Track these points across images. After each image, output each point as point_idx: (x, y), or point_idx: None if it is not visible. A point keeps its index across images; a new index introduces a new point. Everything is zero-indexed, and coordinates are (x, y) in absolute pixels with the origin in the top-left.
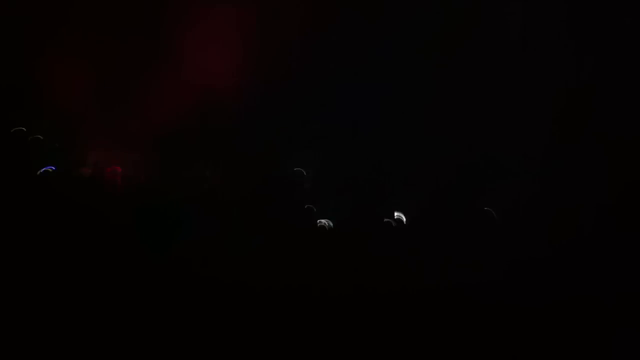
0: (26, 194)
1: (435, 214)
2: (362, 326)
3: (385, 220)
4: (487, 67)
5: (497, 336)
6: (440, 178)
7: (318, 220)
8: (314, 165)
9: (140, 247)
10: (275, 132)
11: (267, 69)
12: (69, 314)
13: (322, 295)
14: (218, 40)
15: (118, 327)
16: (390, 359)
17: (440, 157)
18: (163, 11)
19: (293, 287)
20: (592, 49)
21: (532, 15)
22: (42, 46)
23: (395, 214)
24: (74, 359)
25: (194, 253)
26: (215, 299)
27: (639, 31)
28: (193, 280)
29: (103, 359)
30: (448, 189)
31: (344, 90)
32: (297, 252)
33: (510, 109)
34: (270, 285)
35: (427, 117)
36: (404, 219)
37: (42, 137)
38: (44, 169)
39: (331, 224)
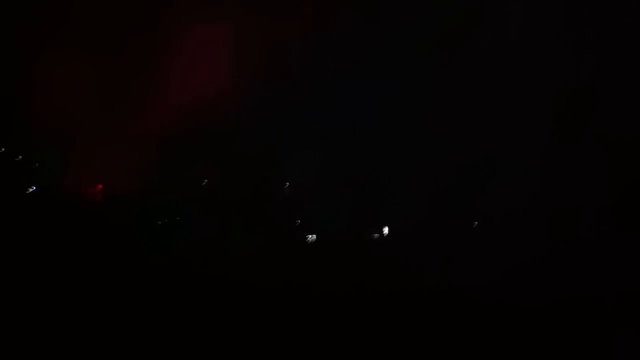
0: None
1: (435, 214)
2: (362, 326)
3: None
4: (487, 67)
5: (497, 336)
6: (440, 178)
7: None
8: (314, 165)
9: (140, 247)
10: (275, 133)
11: (267, 69)
12: (69, 315)
13: (322, 295)
14: (217, 40)
15: (118, 327)
16: (391, 359)
17: (440, 157)
18: (162, 10)
19: (293, 287)
20: (592, 48)
21: (532, 15)
22: (30, 53)
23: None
24: (74, 359)
25: (194, 253)
26: (215, 299)
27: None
28: (193, 280)
29: (103, 359)
30: (448, 189)
31: (344, 91)
32: (297, 252)
33: (510, 109)
34: (270, 285)
35: (427, 117)
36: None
37: (21, 157)
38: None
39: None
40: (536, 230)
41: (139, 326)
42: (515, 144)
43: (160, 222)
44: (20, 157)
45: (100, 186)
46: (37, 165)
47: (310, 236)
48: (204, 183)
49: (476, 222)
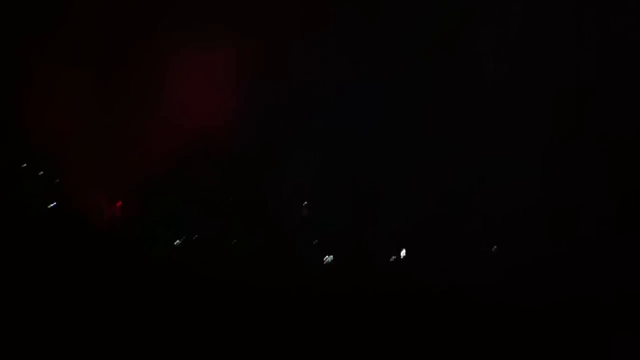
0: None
1: (435, 214)
2: (362, 326)
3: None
4: (487, 67)
5: (497, 336)
6: (440, 178)
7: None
8: (314, 165)
9: (140, 247)
10: (275, 132)
11: (267, 69)
12: (69, 315)
13: (322, 295)
14: (217, 40)
15: (118, 327)
16: (391, 359)
17: (440, 157)
18: (161, 11)
19: (292, 287)
20: (592, 48)
21: (532, 14)
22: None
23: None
24: (74, 359)
25: (194, 253)
26: (215, 299)
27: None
28: (193, 281)
29: (103, 359)
30: (448, 189)
31: (344, 90)
32: (297, 253)
33: (510, 108)
34: (270, 285)
35: (427, 117)
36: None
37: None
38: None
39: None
40: (536, 231)
41: (139, 326)
42: (515, 144)
43: (160, 223)
44: (42, 172)
45: (120, 203)
46: (58, 180)
47: (327, 257)
48: (204, 183)
49: (476, 222)
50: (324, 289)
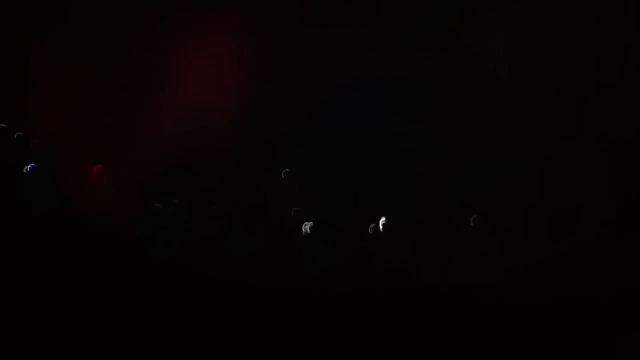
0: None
1: (435, 214)
2: (362, 327)
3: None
4: (487, 67)
5: (497, 336)
6: (439, 178)
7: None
8: (314, 165)
9: (140, 247)
10: (275, 133)
11: (267, 69)
12: (69, 315)
13: (322, 295)
14: (216, 40)
15: (118, 327)
16: (391, 359)
17: (440, 156)
18: (161, 11)
19: (292, 288)
20: (593, 48)
21: (532, 14)
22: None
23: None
24: (74, 359)
25: (194, 253)
26: (215, 299)
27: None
28: (193, 281)
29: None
30: (448, 189)
31: (344, 90)
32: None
33: (510, 108)
34: (270, 286)
35: (427, 117)
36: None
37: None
38: (29, 167)
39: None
40: (536, 231)
41: (139, 326)
42: (515, 144)
43: (159, 223)
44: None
45: (102, 166)
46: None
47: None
48: (204, 183)
49: (476, 222)
50: (323, 289)
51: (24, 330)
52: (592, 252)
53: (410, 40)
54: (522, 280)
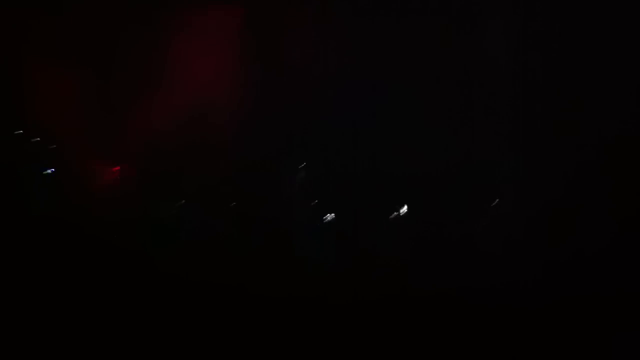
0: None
1: (435, 214)
2: (362, 327)
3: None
4: (487, 67)
5: (497, 337)
6: (439, 178)
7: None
8: (314, 165)
9: (139, 247)
10: (275, 133)
11: (267, 68)
12: (69, 315)
13: (322, 296)
14: (216, 40)
15: (118, 328)
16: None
17: (440, 157)
18: (161, 11)
19: (292, 288)
20: (593, 48)
21: (532, 14)
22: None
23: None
24: (74, 359)
25: (194, 253)
26: (215, 299)
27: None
28: (193, 281)
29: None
30: (448, 189)
31: (344, 90)
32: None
33: (510, 108)
34: (270, 286)
35: (427, 117)
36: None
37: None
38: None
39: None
40: (536, 231)
41: (139, 326)
42: (514, 144)
43: (159, 223)
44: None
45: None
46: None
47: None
48: (204, 183)
49: (476, 223)
50: (323, 290)
51: (24, 330)
52: (592, 252)
53: (410, 40)
54: (522, 280)
